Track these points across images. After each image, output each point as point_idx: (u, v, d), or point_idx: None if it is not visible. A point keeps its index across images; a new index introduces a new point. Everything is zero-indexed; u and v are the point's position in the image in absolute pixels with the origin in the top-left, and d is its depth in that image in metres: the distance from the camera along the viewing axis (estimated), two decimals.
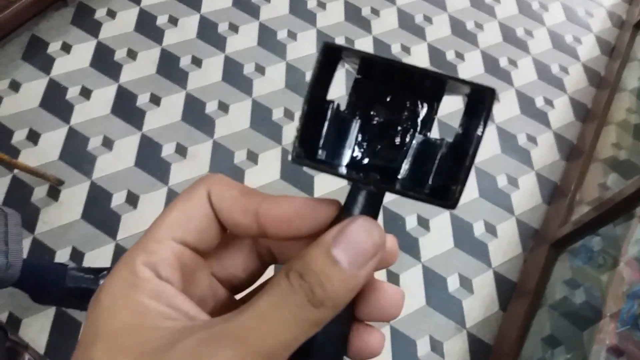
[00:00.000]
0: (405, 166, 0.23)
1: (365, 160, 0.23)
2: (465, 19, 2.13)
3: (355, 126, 0.23)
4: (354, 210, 0.21)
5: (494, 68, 2.01)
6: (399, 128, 0.23)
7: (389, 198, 1.59)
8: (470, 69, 1.98)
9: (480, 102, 0.22)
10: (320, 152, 0.22)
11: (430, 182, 0.23)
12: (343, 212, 0.21)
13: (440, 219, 1.60)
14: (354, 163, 0.23)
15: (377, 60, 0.22)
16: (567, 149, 1.86)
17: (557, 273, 1.50)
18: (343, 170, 0.22)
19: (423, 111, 0.24)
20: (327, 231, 0.18)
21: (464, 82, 0.21)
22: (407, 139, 0.23)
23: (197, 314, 0.19)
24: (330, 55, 0.22)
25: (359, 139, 0.23)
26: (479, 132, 0.21)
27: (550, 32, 2.20)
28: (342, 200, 0.22)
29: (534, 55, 2.10)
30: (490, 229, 1.62)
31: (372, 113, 0.23)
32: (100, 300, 0.19)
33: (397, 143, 0.23)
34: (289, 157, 0.21)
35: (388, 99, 0.23)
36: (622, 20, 2.32)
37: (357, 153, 0.23)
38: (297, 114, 1.70)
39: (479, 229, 1.61)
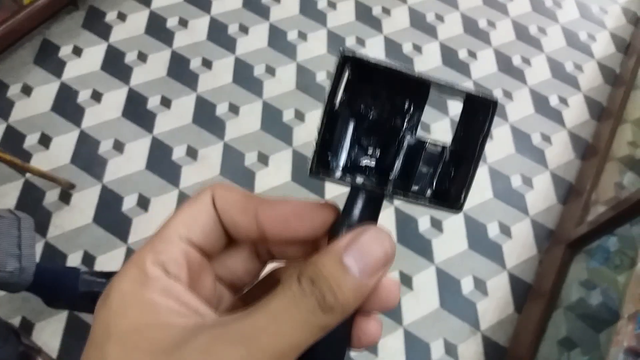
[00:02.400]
0: (404, 170, 0.23)
1: (366, 165, 0.23)
2: (478, 17, 2.11)
3: (354, 132, 0.23)
4: (353, 213, 0.21)
5: (507, 66, 1.98)
6: (397, 133, 0.23)
7: (398, 202, 1.58)
8: (483, 67, 1.96)
9: (480, 110, 0.21)
10: (331, 162, 0.22)
11: (433, 186, 0.23)
12: (343, 216, 0.21)
13: (454, 220, 1.58)
14: (356, 169, 0.23)
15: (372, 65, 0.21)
16: (582, 148, 1.84)
17: (573, 274, 1.47)
18: (359, 179, 0.22)
19: (416, 115, 0.23)
20: (339, 239, 0.19)
21: (460, 91, 0.21)
22: (405, 144, 0.23)
23: (205, 311, 0.19)
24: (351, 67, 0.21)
25: (359, 144, 0.23)
26: (482, 139, 0.21)
27: (564, 30, 2.17)
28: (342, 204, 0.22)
29: (548, 53, 2.07)
30: (505, 230, 1.60)
31: (367, 117, 0.23)
32: (111, 299, 0.19)
33: (396, 149, 0.23)
34: (308, 172, 0.21)
35: (383, 105, 0.23)
36: (637, 16, 2.28)
37: (359, 159, 0.23)
38: (309, 117, 1.68)
39: (493, 230, 1.59)
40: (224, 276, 0.23)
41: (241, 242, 0.23)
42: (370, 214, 0.21)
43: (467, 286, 1.49)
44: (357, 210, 0.21)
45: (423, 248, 1.52)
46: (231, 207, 0.22)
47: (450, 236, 1.55)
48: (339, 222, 0.21)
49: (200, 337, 0.17)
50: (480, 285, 1.49)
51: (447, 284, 1.48)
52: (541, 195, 1.69)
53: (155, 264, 0.19)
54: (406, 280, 1.47)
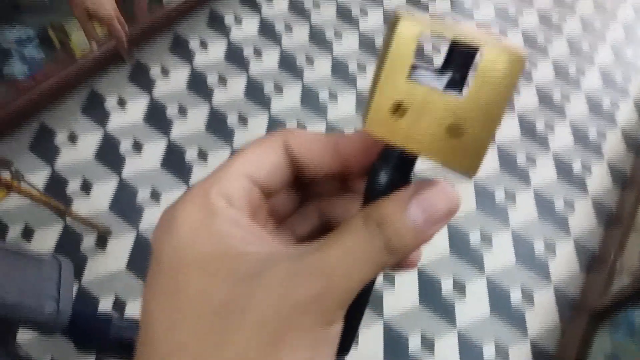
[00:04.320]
0: None
1: None
2: None
3: None
4: (390, 161, 0.21)
5: (531, 132, 2.03)
6: None
7: (421, 262, 1.60)
8: (507, 132, 2.01)
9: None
10: None
11: None
12: (381, 161, 0.21)
13: (477, 284, 1.60)
14: None
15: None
16: (606, 216, 1.85)
17: (597, 346, 1.46)
18: None
19: None
20: (405, 189, 0.20)
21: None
22: None
23: (273, 242, 0.20)
24: None
25: None
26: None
27: (587, 97, 2.22)
28: None
29: (571, 119, 2.12)
30: (528, 297, 1.60)
31: None
32: (178, 227, 0.19)
33: None
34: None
35: None
36: None
37: None
38: None
39: (515, 296, 1.60)
40: (270, 206, 0.24)
41: (316, 179, 0.24)
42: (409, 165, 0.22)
43: (488, 353, 1.48)
44: (394, 159, 0.21)
45: (445, 311, 1.53)
46: (310, 147, 0.22)
47: (473, 300, 1.57)
48: (379, 167, 0.21)
49: (280, 267, 0.18)
50: (501, 353, 1.49)
51: (469, 350, 1.48)
52: (564, 263, 1.70)
53: (219, 196, 0.20)
54: (428, 344, 1.47)
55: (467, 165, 0.19)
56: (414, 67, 0.19)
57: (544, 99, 2.17)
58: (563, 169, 1.95)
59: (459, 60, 0.20)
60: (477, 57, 0.19)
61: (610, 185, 1.94)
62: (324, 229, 0.25)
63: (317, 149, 0.22)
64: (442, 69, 0.20)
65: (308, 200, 0.25)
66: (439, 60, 2.21)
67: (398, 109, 0.19)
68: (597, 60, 2.39)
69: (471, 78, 0.19)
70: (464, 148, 0.19)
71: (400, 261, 0.20)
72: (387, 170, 0.21)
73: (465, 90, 0.19)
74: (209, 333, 0.18)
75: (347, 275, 0.18)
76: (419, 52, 0.20)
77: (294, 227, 0.25)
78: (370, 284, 0.22)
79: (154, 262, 0.19)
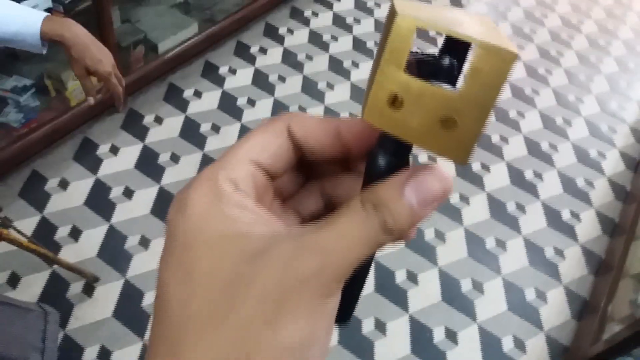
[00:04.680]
0: None
1: None
2: (491, 132, 2.22)
3: None
4: (388, 146, 0.22)
5: (520, 180, 2.06)
6: None
7: (413, 310, 1.59)
8: (496, 180, 2.04)
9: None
10: None
11: None
12: (380, 146, 0.22)
13: (469, 332, 1.58)
14: None
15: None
16: (596, 263, 1.85)
17: None
18: None
19: None
20: (401, 173, 0.21)
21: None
22: None
23: (277, 223, 0.22)
24: None
25: None
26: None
27: (574, 147, 2.27)
28: None
29: (559, 168, 2.15)
30: (520, 345, 1.58)
31: None
32: (189, 211, 0.21)
33: None
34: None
35: None
36: None
37: None
38: None
39: (507, 344, 1.58)
40: (275, 186, 0.25)
41: (318, 162, 0.25)
42: (406, 149, 0.23)
43: None
44: (392, 144, 0.22)
45: None
46: (312, 132, 0.24)
47: (465, 348, 1.54)
48: (377, 151, 0.22)
49: (283, 246, 0.19)
50: None
51: None
52: (555, 310, 1.69)
53: (227, 181, 0.21)
54: None
55: (459, 155, 0.21)
56: (411, 54, 0.20)
57: (533, 148, 2.21)
58: (552, 216, 1.97)
59: (455, 50, 0.21)
60: (471, 52, 0.20)
61: (599, 232, 1.96)
62: (327, 208, 0.26)
63: (319, 133, 0.24)
64: (439, 56, 0.21)
65: (312, 180, 0.27)
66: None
67: (395, 101, 0.20)
68: (583, 111, 2.46)
69: (465, 72, 0.20)
70: (456, 139, 0.20)
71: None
72: (384, 155, 0.22)
73: (458, 85, 0.20)
74: (218, 305, 0.19)
75: (344, 253, 0.19)
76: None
77: (299, 207, 0.26)
78: (369, 259, 0.23)
79: (168, 239, 0.21)
